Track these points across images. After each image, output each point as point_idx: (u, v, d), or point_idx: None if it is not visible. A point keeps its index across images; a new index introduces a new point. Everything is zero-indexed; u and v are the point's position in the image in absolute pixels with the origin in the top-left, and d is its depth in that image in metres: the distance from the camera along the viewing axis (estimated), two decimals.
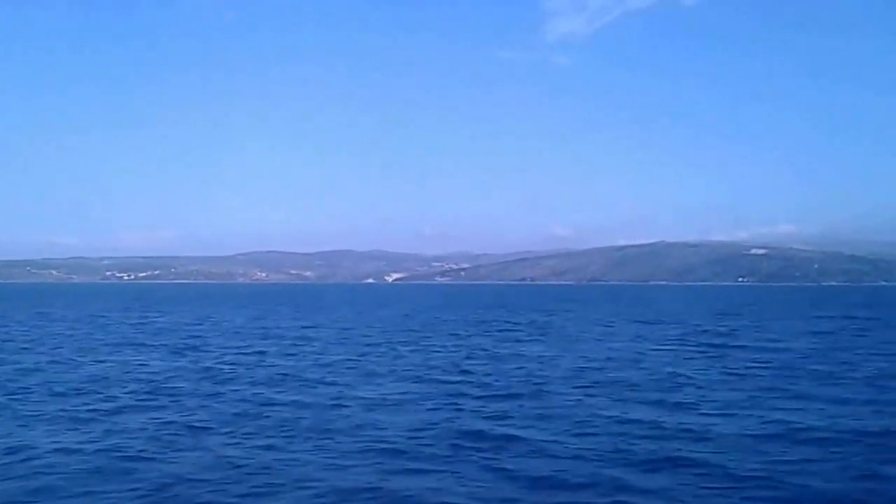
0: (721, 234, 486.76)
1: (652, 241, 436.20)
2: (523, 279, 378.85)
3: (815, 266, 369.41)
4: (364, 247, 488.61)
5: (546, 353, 28.80)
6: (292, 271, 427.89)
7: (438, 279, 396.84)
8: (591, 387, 20.28)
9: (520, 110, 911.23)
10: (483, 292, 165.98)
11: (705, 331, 42.26)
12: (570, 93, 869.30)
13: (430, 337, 36.95)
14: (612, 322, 53.06)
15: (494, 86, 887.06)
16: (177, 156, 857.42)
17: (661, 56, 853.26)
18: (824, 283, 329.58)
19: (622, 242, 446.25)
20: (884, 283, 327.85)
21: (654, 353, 29.69)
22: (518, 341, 34.86)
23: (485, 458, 12.19)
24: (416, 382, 20.85)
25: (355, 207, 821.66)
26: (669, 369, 24.20)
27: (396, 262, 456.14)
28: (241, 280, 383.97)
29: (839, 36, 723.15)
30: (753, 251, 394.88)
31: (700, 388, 20.16)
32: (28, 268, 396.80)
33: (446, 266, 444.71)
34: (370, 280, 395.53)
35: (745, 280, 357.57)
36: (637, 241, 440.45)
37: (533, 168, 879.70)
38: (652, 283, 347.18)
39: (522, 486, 10.72)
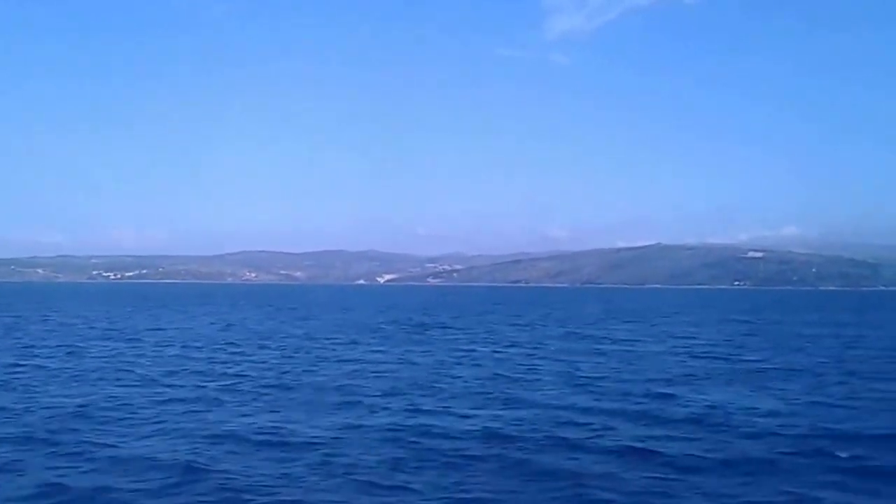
0: (722, 236, 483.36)
1: (650, 243, 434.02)
2: (517, 281, 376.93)
3: (813, 270, 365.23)
4: (357, 247, 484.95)
5: (365, 358, 27.76)
6: (282, 272, 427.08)
7: (431, 280, 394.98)
8: (325, 391, 19.34)
9: (518, 108, 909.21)
10: (456, 294, 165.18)
11: (576, 332, 41.55)
12: (569, 91, 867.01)
13: (277, 340, 36.15)
14: (518, 323, 52.25)
15: (492, 83, 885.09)
16: (167, 153, 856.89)
17: (661, 54, 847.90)
18: (822, 287, 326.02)
19: (620, 244, 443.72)
20: (882, 287, 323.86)
21: (486, 355, 28.86)
22: (360, 343, 34.04)
23: None
24: (125, 387, 19.78)
25: (348, 207, 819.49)
26: (456, 373, 23.27)
27: (389, 262, 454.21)
28: (230, 280, 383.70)
29: (842, 34, 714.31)
30: (750, 254, 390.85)
31: (443, 394, 19.12)
32: (13, 266, 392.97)
33: (440, 267, 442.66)
34: (361, 281, 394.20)
35: (742, 283, 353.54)
36: (636, 244, 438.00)
37: (530, 167, 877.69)
38: (647, 286, 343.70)
39: None
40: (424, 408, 16.56)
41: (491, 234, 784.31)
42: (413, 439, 13.29)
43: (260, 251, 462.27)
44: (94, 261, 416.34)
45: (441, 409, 16.41)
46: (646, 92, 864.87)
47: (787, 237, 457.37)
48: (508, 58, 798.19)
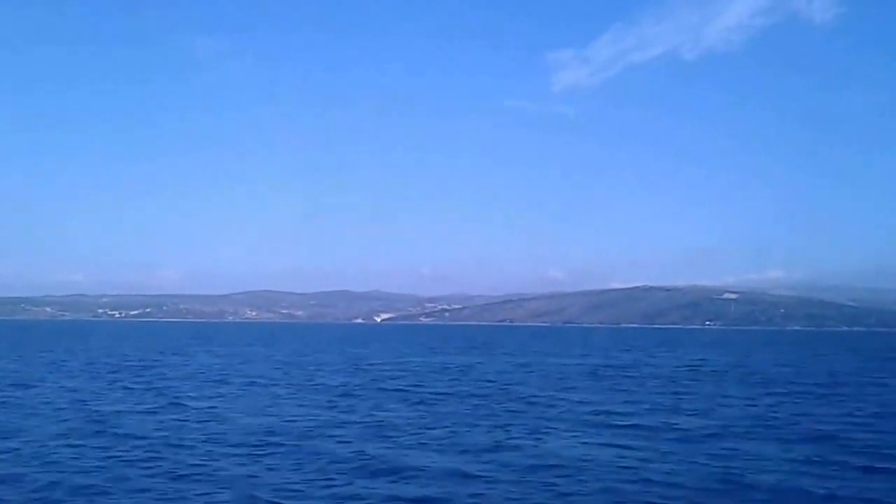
0: (710, 278, 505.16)
1: (639, 284, 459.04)
2: (503, 320, 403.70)
3: (781, 310, 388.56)
4: (361, 287, 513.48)
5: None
6: (283, 311, 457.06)
7: (423, 319, 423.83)
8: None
9: (523, 155, 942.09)
10: (405, 333, 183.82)
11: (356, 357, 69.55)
12: (572, 140, 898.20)
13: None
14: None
15: (499, 132, 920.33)
16: (181, 197, 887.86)
17: (662, 105, 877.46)
18: (787, 327, 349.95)
19: (615, 286, 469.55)
20: (845, 328, 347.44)
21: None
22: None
23: None
24: None
25: (355, 249, 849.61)
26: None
27: (390, 302, 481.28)
28: (230, 319, 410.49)
29: (836, 91, 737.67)
30: (725, 296, 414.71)
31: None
32: (23, 305, 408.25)
33: (437, 307, 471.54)
34: (359, 320, 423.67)
35: (713, 324, 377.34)
36: (629, 285, 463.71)
37: (531, 212, 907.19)
38: (623, 325, 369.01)
39: None
40: None
41: (492, 275, 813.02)
42: None
43: (266, 291, 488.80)
44: (104, 300, 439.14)
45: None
46: (646, 141, 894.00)
47: (772, 279, 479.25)
48: (514, 108, 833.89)
